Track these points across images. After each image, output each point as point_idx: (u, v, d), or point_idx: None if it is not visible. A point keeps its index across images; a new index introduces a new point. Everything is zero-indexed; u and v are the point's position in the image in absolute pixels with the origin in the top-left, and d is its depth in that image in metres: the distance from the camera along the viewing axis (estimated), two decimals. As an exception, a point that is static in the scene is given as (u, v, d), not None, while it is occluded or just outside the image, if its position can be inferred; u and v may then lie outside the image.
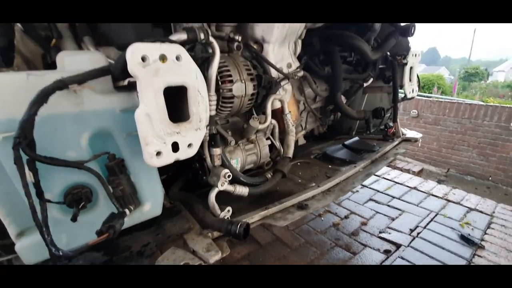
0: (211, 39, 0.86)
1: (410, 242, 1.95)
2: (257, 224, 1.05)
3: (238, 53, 1.12)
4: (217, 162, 1.01)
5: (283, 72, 1.26)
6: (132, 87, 0.75)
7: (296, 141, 1.69)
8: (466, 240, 1.95)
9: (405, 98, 2.05)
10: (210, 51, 0.88)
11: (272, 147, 1.36)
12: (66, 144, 0.67)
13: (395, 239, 1.99)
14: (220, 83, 0.99)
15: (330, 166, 1.56)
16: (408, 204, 2.50)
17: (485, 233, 2.07)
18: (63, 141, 0.67)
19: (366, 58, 1.59)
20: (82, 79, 0.63)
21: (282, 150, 1.35)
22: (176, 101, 0.75)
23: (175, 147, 0.73)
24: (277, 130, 1.34)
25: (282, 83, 1.28)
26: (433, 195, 2.67)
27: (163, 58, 0.67)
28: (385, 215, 2.32)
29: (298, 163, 1.61)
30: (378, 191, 2.75)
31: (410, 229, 2.10)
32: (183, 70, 0.72)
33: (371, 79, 1.87)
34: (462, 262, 1.76)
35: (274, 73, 1.24)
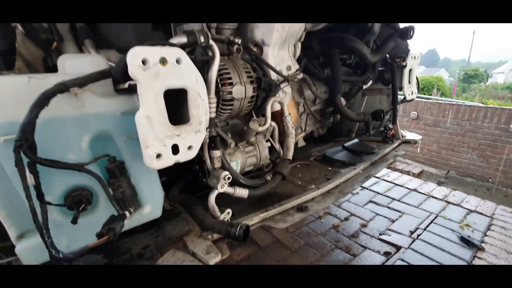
0: (211, 42, 0.87)
1: (410, 244, 1.94)
2: (257, 226, 1.05)
3: (238, 56, 1.12)
4: (217, 164, 1.01)
5: (283, 74, 1.27)
6: (132, 90, 0.75)
7: (296, 143, 1.70)
8: (466, 242, 1.94)
9: (404, 100, 2.05)
10: (210, 54, 0.88)
11: (271, 149, 1.36)
12: (66, 147, 0.68)
13: (395, 241, 1.98)
14: (220, 85, 1.00)
15: (329, 168, 1.57)
16: (408, 206, 2.50)
17: (485, 235, 2.06)
18: (64, 144, 0.67)
19: (365, 60, 1.60)
20: (83, 82, 0.64)
21: (281, 152, 1.36)
22: (176, 104, 0.76)
23: (175, 149, 0.73)
24: (276, 132, 1.34)
25: (281, 86, 1.28)
26: (433, 197, 2.67)
27: (163, 61, 0.68)
28: (385, 217, 2.32)
29: (298, 165, 1.61)
30: (378, 193, 2.75)
31: (410, 231, 2.10)
32: (183, 73, 0.72)
33: (371, 81, 1.87)
34: (462, 264, 1.76)
35: (273, 75, 1.24)
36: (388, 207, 2.48)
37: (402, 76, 1.91)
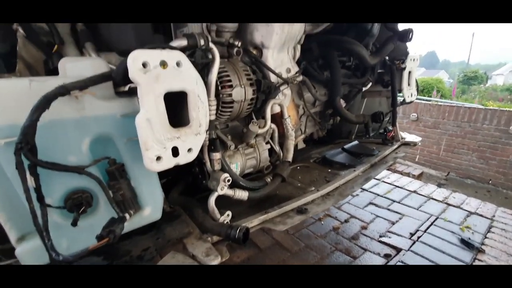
0: (211, 45, 0.87)
1: (411, 246, 1.94)
2: (256, 229, 1.05)
3: (238, 58, 1.13)
4: (217, 166, 1.01)
5: (282, 77, 1.27)
6: (133, 92, 0.76)
7: (296, 145, 1.70)
8: (466, 244, 1.94)
9: (404, 102, 2.06)
10: (210, 56, 0.89)
11: (271, 151, 1.36)
12: (67, 149, 0.68)
13: (395, 243, 1.98)
14: (220, 88, 1.00)
15: (329, 170, 1.57)
16: (408, 207, 2.50)
17: (486, 237, 2.06)
18: (64, 146, 0.67)
19: (364, 63, 1.61)
20: (83, 85, 0.64)
21: (281, 154, 1.36)
22: (176, 106, 0.76)
23: (175, 152, 0.74)
24: (276, 134, 1.34)
25: (281, 88, 1.29)
26: (433, 198, 2.67)
27: (163, 64, 0.68)
28: (385, 219, 2.32)
29: (298, 167, 1.61)
30: (378, 194, 2.75)
31: (410, 233, 2.10)
32: (183, 76, 0.73)
33: (370, 84, 1.88)
34: (461, 264, 1.75)
35: (273, 78, 1.25)
36: (388, 209, 2.48)
37: (402, 78, 1.92)
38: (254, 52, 1.23)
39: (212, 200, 0.98)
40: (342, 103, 1.66)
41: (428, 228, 2.17)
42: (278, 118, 1.32)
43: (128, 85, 0.75)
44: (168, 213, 1.05)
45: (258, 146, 1.28)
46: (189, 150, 0.77)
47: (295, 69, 1.37)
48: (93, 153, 0.72)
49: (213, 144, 0.98)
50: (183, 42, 0.82)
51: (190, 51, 0.86)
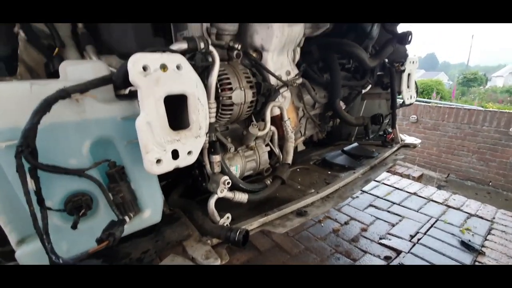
0: (211, 48, 0.88)
1: (411, 249, 1.94)
2: (256, 231, 1.05)
3: (238, 61, 1.13)
4: (217, 169, 1.02)
5: (282, 79, 1.28)
6: (133, 95, 0.76)
7: (296, 148, 1.70)
8: (466, 246, 1.94)
9: (403, 104, 2.07)
10: (210, 59, 0.89)
11: (271, 153, 1.37)
12: (67, 152, 0.68)
13: (395, 245, 1.98)
14: (219, 90, 1.01)
15: (329, 172, 1.57)
16: (408, 210, 2.50)
17: (486, 239, 2.06)
18: (65, 149, 0.68)
19: (364, 65, 1.61)
20: (84, 88, 0.65)
21: (281, 156, 1.36)
22: (176, 109, 0.77)
23: (175, 154, 0.74)
24: (276, 136, 1.35)
25: (281, 91, 1.29)
26: (433, 200, 2.67)
27: (164, 67, 0.69)
28: (385, 221, 2.32)
29: (298, 169, 1.61)
30: (378, 196, 2.75)
31: (411, 235, 2.10)
32: (184, 79, 0.73)
33: (370, 86, 1.89)
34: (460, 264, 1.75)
35: (273, 80, 1.25)
36: (388, 211, 2.47)
37: (401, 81, 1.93)
38: (254, 55, 1.24)
39: (212, 202, 0.99)
40: (342, 105, 1.67)
41: (428, 230, 2.17)
42: (278, 121, 1.33)
43: (129, 88, 0.75)
44: (168, 215, 1.05)
45: (258, 149, 1.28)
46: (189, 152, 0.77)
47: (294, 71, 1.38)
48: (94, 155, 0.72)
49: (213, 146, 0.99)
50: (183, 45, 0.83)
51: (190, 54, 0.87)
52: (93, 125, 0.70)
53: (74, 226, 0.67)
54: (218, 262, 0.82)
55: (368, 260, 1.85)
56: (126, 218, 0.76)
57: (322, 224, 2.28)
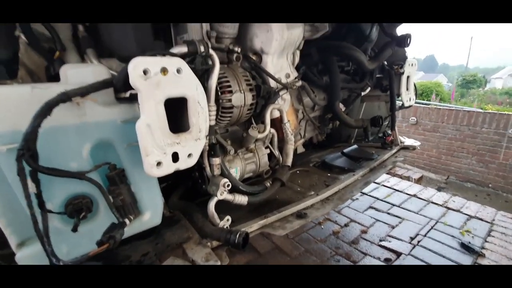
0: (211, 51, 0.89)
1: (411, 251, 1.94)
2: (256, 233, 1.05)
3: (238, 64, 1.14)
4: (217, 171, 1.02)
5: (282, 82, 1.28)
6: (133, 98, 0.76)
7: (295, 150, 1.71)
8: (466, 248, 1.94)
9: (402, 106, 2.07)
10: (210, 63, 0.90)
11: (271, 156, 1.37)
12: (68, 155, 0.68)
13: (395, 247, 1.98)
14: (219, 93, 1.01)
15: (329, 174, 1.57)
16: (408, 211, 2.50)
17: (486, 241, 2.06)
18: (65, 152, 0.68)
19: (363, 68, 1.62)
20: (85, 91, 0.65)
21: (281, 158, 1.37)
22: (176, 112, 0.77)
23: (175, 157, 0.74)
24: (276, 139, 1.35)
25: (280, 93, 1.30)
26: (433, 202, 2.67)
27: (164, 71, 0.69)
28: (385, 223, 2.32)
29: (297, 172, 1.61)
30: (378, 198, 2.75)
31: (411, 237, 2.10)
32: (184, 82, 0.74)
33: (369, 88, 1.89)
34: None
35: (272, 83, 1.26)
36: (388, 213, 2.47)
37: (400, 83, 1.93)
38: (254, 58, 1.25)
39: (211, 205, 0.99)
40: (341, 107, 1.67)
41: (428, 232, 2.17)
42: (277, 123, 1.33)
43: (129, 91, 0.76)
44: (168, 217, 1.05)
45: (258, 151, 1.28)
46: (189, 155, 0.78)
47: (294, 74, 1.38)
48: (94, 158, 0.73)
49: (212, 149, 0.99)
50: (184, 49, 0.83)
51: (190, 57, 0.87)
52: (93, 128, 0.71)
53: (74, 229, 0.67)
54: (218, 264, 0.82)
55: (368, 262, 1.85)
56: (126, 220, 0.76)
57: (322, 226, 2.28)
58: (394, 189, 2.96)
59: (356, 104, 1.98)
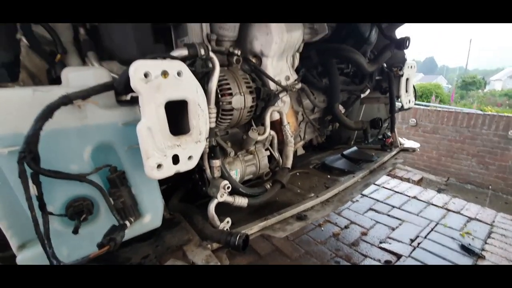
0: (211, 54, 0.89)
1: (411, 253, 1.94)
2: (256, 235, 1.05)
3: (238, 66, 1.15)
4: (217, 173, 1.02)
5: (282, 84, 1.29)
6: (134, 101, 0.77)
7: (295, 152, 1.71)
8: (466, 250, 1.94)
9: (402, 108, 2.08)
10: (210, 65, 0.90)
11: (271, 158, 1.37)
12: (69, 158, 0.69)
13: (395, 249, 1.98)
14: (219, 96, 1.02)
15: (329, 176, 1.57)
16: (408, 213, 2.50)
17: (486, 243, 2.06)
18: (67, 155, 0.68)
19: (362, 70, 1.63)
20: (86, 94, 0.66)
21: (281, 160, 1.37)
22: (176, 115, 0.77)
23: (175, 159, 0.74)
24: (276, 141, 1.35)
25: (280, 95, 1.30)
26: (433, 204, 2.67)
27: (164, 73, 0.70)
28: (385, 224, 2.32)
29: (297, 174, 1.62)
30: (378, 200, 2.75)
31: (411, 239, 2.10)
32: (184, 85, 0.74)
33: (368, 90, 1.90)
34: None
35: (272, 85, 1.27)
36: (388, 215, 2.47)
37: (399, 85, 1.94)
38: (254, 60, 1.25)
39: (211, 207, 0.99)
40: (341, 109, 1.68)
41: (428, 234, 2.16)
42: (277, 125, 1.33)
43: (130, 94, 0.76)
44: (168, 220, 1.05)
45: (258, 153, 1.29)
46: (190, 157, 0.78)
47: (294, 76, 1.39)
48: (95, 161, 0.73)
49: (213, 151, 0.99)
50: (184, 52, 0.84)
51: (191, 60, 0.88)
52: (94, 130, 0.71)
53: (75, 231, 0.68)
54: (218, 267, 0.83)
55: (368, 264, 1.84)
56: (127, 222, 0.76)
57: (322, 228, 2.28)
58: (394, 191, 2.96)
59: (355, 106, 1.99)
